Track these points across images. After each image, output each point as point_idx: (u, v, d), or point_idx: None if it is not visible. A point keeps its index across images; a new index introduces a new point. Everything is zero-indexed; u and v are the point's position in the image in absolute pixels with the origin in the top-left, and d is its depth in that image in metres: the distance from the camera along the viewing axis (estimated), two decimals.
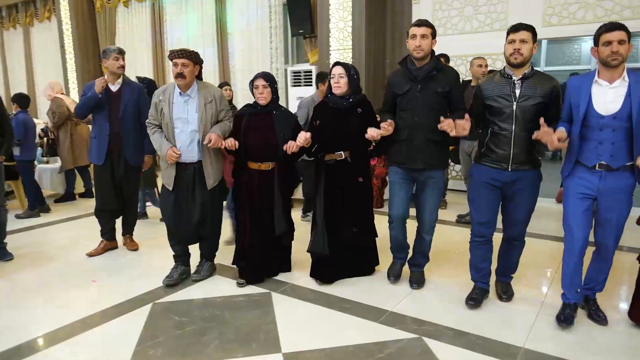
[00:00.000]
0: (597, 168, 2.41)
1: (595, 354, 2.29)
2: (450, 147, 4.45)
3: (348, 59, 6.04)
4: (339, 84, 2.99)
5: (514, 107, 2.54)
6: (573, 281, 2.55)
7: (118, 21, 9.31)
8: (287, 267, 3.39)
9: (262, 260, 3.20)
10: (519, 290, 2.96)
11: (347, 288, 3.07)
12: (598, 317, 2.58)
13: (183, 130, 3.08)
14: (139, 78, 4.78)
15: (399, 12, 6.21)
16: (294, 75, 6.70)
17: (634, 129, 2.31)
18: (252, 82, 3.12)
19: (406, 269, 3.20)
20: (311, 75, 6.44)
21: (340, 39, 6.06)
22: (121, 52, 3.68)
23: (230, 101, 4.79)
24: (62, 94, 5.69)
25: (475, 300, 2.80)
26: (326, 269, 3.16)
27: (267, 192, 3.11)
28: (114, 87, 3.72)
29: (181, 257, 3.34)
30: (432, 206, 2.98)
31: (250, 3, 7.51)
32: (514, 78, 2.56)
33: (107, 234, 3.96)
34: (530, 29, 2.49)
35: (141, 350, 2.41)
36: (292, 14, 6.63)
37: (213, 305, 2.93)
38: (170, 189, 3.15)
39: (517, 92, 2.54)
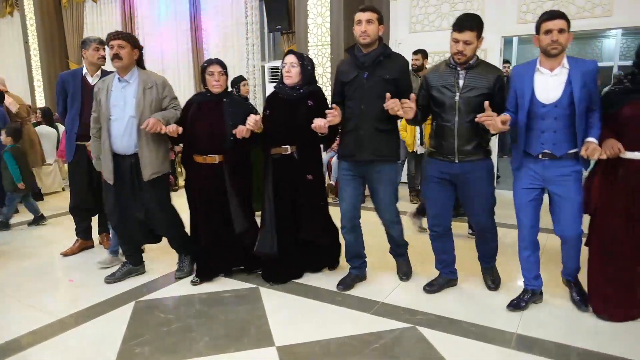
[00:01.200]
0: (540, 157, 2.43)
1: (585, 338, 2.32)
2: None
3: (326, 55, 6.01)
4: (290, 73, 2.83)
5: (456, 98, 2.52)
6: (529, 268, 2.59)
7: (86, 16, 9.01)
8: (254, 265, 3.14)
9: (218, 260, 3.05)
10: (508, 277, 2.98)
11: (336, 281, 3.02)
12: (578, 301, 2.59)
13: (119, 117, 2.89)
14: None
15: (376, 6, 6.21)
16: (272, 72, 6.62)
17: (576, 116, 2.32)
18: (204, 68, 2.92)
19: (392, 260, 3.17)
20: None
21: (319, 35, 6.03)
22: (102, 43, 3.51)
23: (246, 98, 4.67)
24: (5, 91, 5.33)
25: (432, 285, 2.85)
26: (277, 269, 3.01)
27: (219, 189, 2.91)
28: (92, 80, 3.55)
29: (131, 257, 3.17)
30: (387, 202, 2.84)
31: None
32: (458, 68, 2.54)
33: (82, 232, 3.78)
34: (475, 29, 2.45)
35: (127, 349, 2.30)
36: (269, 9, 6.57)
37: (199, 301, 2.83)
38: (111, 183, 2.95)
39: (461, 82, 2.53)
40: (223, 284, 3.05)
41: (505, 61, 5.87)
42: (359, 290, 2.92)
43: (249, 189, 3.08)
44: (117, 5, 8.55)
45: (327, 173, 5.66)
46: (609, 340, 2.29)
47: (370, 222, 3.08)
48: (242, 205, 2.96)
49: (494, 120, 2.32)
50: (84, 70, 3.54)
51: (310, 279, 3.10)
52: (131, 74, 2.93)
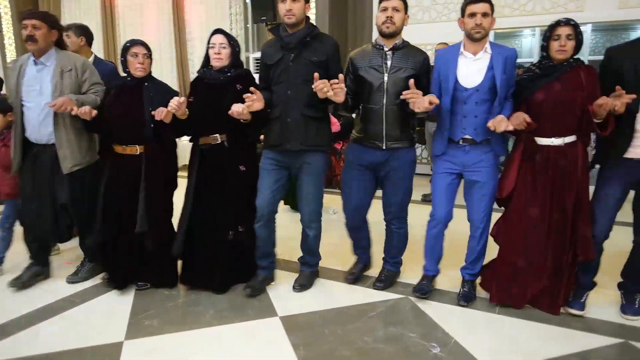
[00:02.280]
0: (461, 142, 2.43)
1: None
2: (417, 128, 4.67)
3: None
4: (220, 55, 2.53)
5: (385, 78, 2.44)
6: (432, 253, 2.61)
7: (63, 5, 8.86)
8: (169, 279, 2.77)
9: (126, 264, 2.71)
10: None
11: (331, 259, 3.13)
12: (464, 299, 2.55)
13: (35, 104, 2.63)
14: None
15: (360, 1, 6.38)
16: (257, 63, 6.70)
17: (497, 100, 2.33)
18: (127, 48, 2.61)
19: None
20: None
21: None
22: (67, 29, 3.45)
23: None
24: None
25: (354, 275, 2.83)
26: (196, 272, 2.73)
27: (136, 182, 2.61)
28: None
29: (38, 256, 2.88)
30: (310, 195, 2.61)
31: None
32: (385, 48, 2.47)
33: None
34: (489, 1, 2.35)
35: (136, 322, 2.41)
36: (253, 0, 6.62)
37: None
38: (13, 174, 2.75)
39: (389, 63, 2.45)
40: None
41: None
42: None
43: (172, 185, 2.79)
44: None
45: None
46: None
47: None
48: (151, 203, 2.62)
49: (420, 98, 2.25)
50: None
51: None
52: (48, 56, 2.66)
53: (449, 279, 2.80)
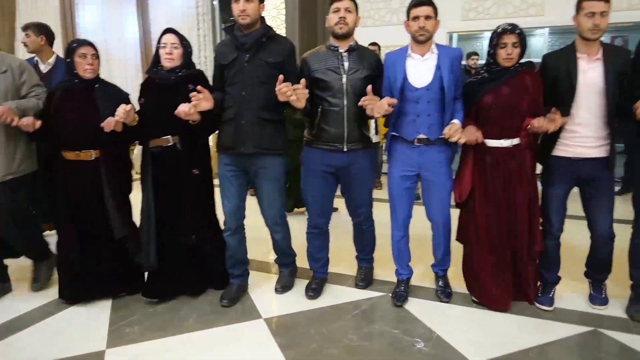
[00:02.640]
0: (416, 142, 2.46)
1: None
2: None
3: None
4: (172, 55, 2.45)
5: (344, 80, 2.44)
6: (401, 256, 2.66)
7: (19, 3, 8.48)
8: (136, 285, 2.69)
9: (95, 275, 2.59)
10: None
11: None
12: (443, 294, 2.62)
13: None
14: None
15: (329, 2, 6.42)
16: None
17: (446, 99, 2.38)
18: (73, 49, 2.47)
19: None
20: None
21: (274, 27, 6.11)
22: (26, 28, 3.41)
23: None
24: None
25: (315, 290, 2.71)
26: (162, 283, 2.63)
27: (94, 189, 2.51)
28: (44, 67, 3.47)
29: None
30: (270, 200, 2.56)
31: None
32: (340, 50, 2.47)
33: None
34: (432, 4, 2.41)
35: (117, 330, 2.36)
36: (222, 0, 6.57)
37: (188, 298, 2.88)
38: None
39: (346, 64, 2.46)
40: None
41: (474, 53, 6.19)
42: (335, 267, 3.07)
43: (129, 188, 2.70)
44: None
45: None
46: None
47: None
48: (121, 207, 2.58)
49: (377, 102, 2.30)
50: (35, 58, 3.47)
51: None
52: None
53: (423, 273, 2.89)
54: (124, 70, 7.74)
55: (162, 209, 2.55)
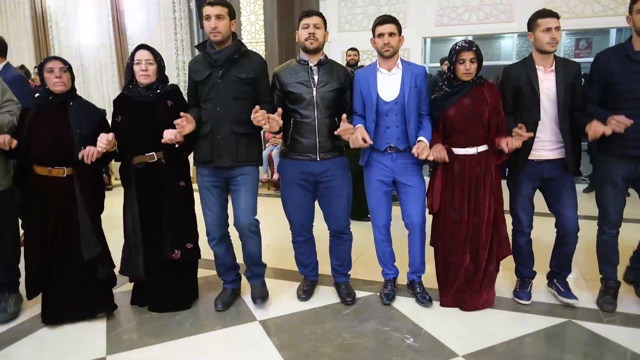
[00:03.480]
0: (387, 151, 2.61)
1: (510, 288, 2.83)
2: None
3: (261, 52, 6.21)
4: (148, 71, 2.49)
5: (314, 93, 2.54)
6: (385, 257, 2.78)
7: None
8: (108, 305, 2.62)
9: (64, 296, 2.51)
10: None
11: None
12: (423, 299, 2.68)
13: None
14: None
15: (306, 7, 6.52)
16: None
17: (406, 112, 2.54)
18: (41, 66, 2.49)
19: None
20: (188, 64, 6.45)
21: (252, 32, 6.20)
22: None
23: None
24: None
25: (306, 292, 2.82)
26: (150, 294, 2.67)
27: (66, 206, 2.47)
28: None
29: None
30: (246, 206, 2.58)
31: None
32: (310, 64, 2.57)
33: None
34: (321, 15, 2.56)
35: (115, 337, 2.40)
36: (199, 4, 6.58)
37: None
38: None
39: (315, 78, 2.56)
40: None
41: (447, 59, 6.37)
42: (322, 269, 3.18)
43: (102, 206, 2.66)
44: None
45: (268, 168, 5.87)
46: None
47: None
48: (94, 226, 2.53)
49: (354, 136, 2.43)
50: None
51: (276, 262, 3.33)
52: None
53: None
54: (99, 75, 7.64)
55: (149, 224, 2.56)
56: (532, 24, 2.51)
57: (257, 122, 2.37)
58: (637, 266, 2.63)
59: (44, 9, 7.90)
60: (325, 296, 2.82)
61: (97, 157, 2.40)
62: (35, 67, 4.72)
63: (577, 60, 9.18)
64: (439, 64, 6.40)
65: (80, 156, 2.39)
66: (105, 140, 2.37)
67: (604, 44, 7.64)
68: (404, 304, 2.69)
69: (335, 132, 2.48)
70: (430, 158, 2.49)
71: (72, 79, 2.55)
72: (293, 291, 2.89)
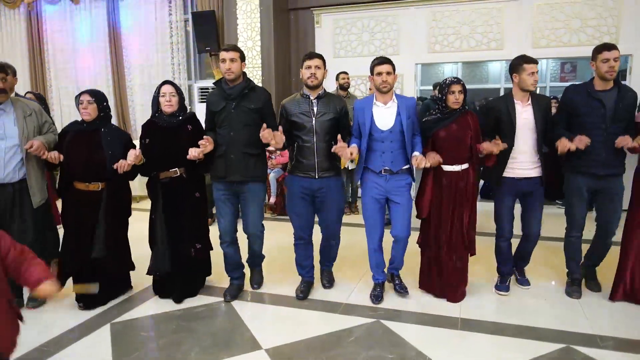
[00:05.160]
0: (382, 172, 3.00)
1: (515, 315, 2.90)
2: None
3: (258, 77, 6.31)
4: (171, 102, 3.06)
5: (313, 122, 3.02)
6: (378, 264, 3.15)
7: None
8: (123, 288, 3.33)
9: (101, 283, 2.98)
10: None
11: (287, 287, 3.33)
12: (401, 289, 3.17)
13: None
14: (34, 94, 4.62)
15: (302, 34, 6.68)
16: (202, 92, 6.75)
17: (406, 139, 2.96)
18: (77, 99, 3.06)
19: (346, 266, 3.55)
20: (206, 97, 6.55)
21: (250, 58, 6.31)
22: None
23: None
24: None
25: (303, 292, 3.23)
26: (173, 287, 3.19)
27: (95, 214, 3.01)
28: None
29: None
30: (255, 218, 3.17)
31: (147, 18, 7.35)
32: (311, 97, 3.06)
33: None
34: (321, 57, 3.04)
35: None
36: (197, 30, 6.70)
37: (175, 318, 2.98)
38: None
39: (315, 109, 3.04)
40: (191, 301, 3.21)
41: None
42: (322, 295, 3.26)
43: (129, 213, 3.23)
44: (20, 17, 8.02)
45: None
46: (535, 316, 2.90)
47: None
48: (110, 231, 3.03)
49: (346, 151, 2.88)
50: None
51: (277, 289, 3.38)
52: (6, 103, 2.96)
53: (410, 299, 3.10)
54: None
55: (171, 226, 3.11)
56: (517, 67, 3.01)
57: (264, 139, 2.90)
58: (586, 263, 3.27)
59: (41, 32, 7.97)
60: (328, 323, 2.86)
61: (127, 169, 2.96)
62: (28, 92, 4.87)
63: (563, 83, 9.52)
64: (431, 87, 6.57)
65: (115, 166, 2.94)
66: (133, 155, 2.97)
67: (589, 67, 7.88)
68: (406, 330, 2.74)
69: (332, 150, 2.94)
70: (428, 165, 2.92)
71: (101, 108, 3.05)
72: (297, 318, 2.93)
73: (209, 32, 6.63)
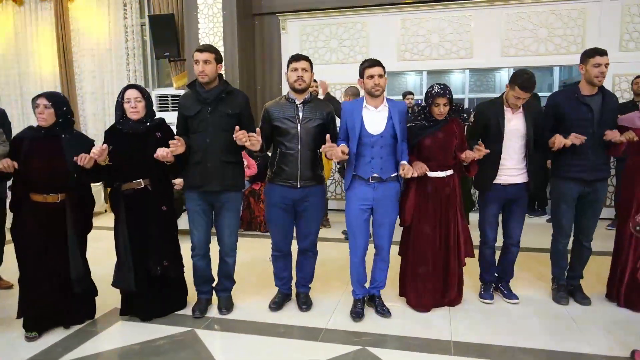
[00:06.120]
0: (370, 180, 2.82)
1: (506, 336, 2.71)
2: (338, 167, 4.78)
3: None
4: (137, 108, 2.76)
5: (299, 128, 2.82)
6: (359, 279, 2.97)
7: None
8: (89, 314, 2.98)
9: (53, 309, 2.77)
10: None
11: (270, 313, 3.05)
12: (383, 311, 2.97)
13: None
14: None
15: (268, 40, 6.41)
16: (160, 100, 6.34)
17: (398, 144, 2.80)
18: (34, 100, 2.77)
19: (323, 286, 3.28)
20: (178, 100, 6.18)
21: None
22: None
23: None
24: None
25: (277, 304, 3.10)
26: (140, 306, 2.94)
27: (57, 229, 2.71)
28: None
29: None
30: (231, 229, 2.99)
31: (100, 21, 6.88)
32: (296, 102, 2.86)
33: None
34: (308, 60, 2.86)
35: None
36: (155, 36, 6.31)
37: (133, 353, 2.59)
38: None
39: (301, 114, 2.84)
40: (150, 331, 2.83)
41: (409, 93, 6.41)
42: (300, 320, 2.96)
43: (89, 229, 2.91)
44: None
45: None
46: (530, 335, 2.71)
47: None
48: (81, 248, 2.82)
49: (335, 150, 2.66)
50: None
51: (246, 314, 3.05)
52: None
53: (396, 322, 2.86)
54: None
55: (135, 243, 2.83)
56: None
57: (239, 140, 2.65)
58: (571, 275, 3.22)
59: None
60: (316, 352, 2.56)
61: (88, 164, 2.62)
62: None
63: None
64: (401, 97, 6.43)
65: (75, 159, 2.61)
66: (99, 149, 2.62)
67: (545, 78, 8.00)
68: (394, 357, 2.49)
69: (321, 149, 2.73)
70: (415, 175, 2.78)
71: (59, 113, 2.73)
72: (272, 348, 2.62)
73: (167, 37, 6.26)
